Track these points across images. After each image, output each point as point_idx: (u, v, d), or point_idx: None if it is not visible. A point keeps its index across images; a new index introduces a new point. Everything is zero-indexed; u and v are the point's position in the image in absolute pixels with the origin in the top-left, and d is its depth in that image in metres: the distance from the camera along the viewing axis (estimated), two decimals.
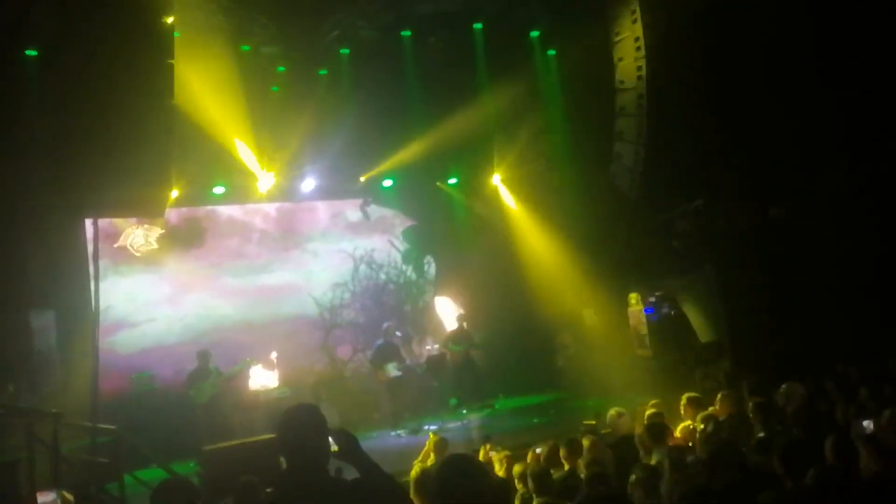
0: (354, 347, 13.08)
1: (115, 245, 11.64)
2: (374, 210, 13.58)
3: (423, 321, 13.74)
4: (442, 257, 14.06)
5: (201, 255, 12.30)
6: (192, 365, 10.39)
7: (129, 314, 11.52)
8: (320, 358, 12.79)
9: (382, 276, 13.70)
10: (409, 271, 13.98)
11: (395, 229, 13.99)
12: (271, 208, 13.04)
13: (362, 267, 13.52)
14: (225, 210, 12.69)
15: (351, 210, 13.58)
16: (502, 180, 13.64)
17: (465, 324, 12.13)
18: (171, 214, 11.86)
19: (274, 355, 11.36)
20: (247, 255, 12.67)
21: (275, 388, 11.10)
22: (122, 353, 11.22)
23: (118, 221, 11.60)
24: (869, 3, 8.93)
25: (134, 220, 11.67)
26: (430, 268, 14.19)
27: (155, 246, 11.90)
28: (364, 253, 13.54)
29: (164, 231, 11.92)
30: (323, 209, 13.55)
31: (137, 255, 11.78)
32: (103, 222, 10.72)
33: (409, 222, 14.04)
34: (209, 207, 12.46)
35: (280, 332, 12.25)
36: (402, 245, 13.96)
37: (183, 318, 11.84)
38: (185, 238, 12.21)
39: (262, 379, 11.15)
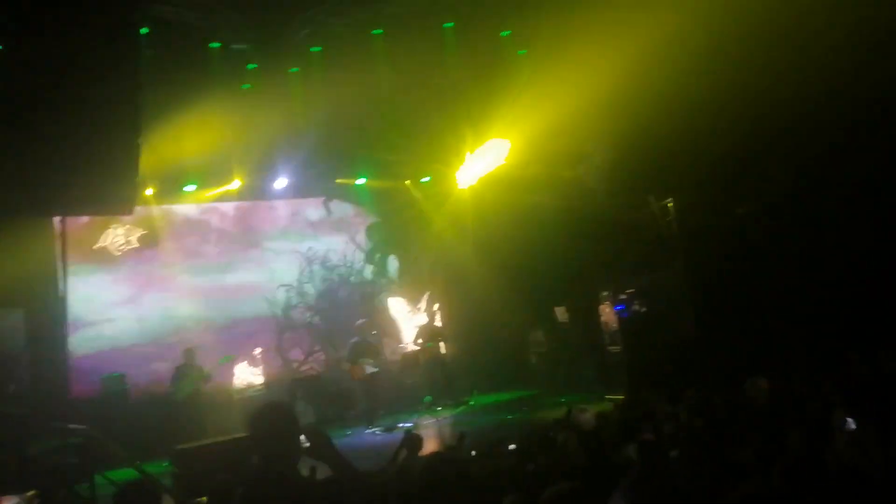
0: (309, 350, 12.91)
1: (95, 246, 11.49)
2: (336, 206, 13.42)
3: (379, 321, 13.48)
4: (408, 255, 14.01)
5: (158, 254, 12.08)
6: (159, 364, 10.32)
7: (87, 314, 11.30)
8: (274, 359, 12.52)
9: (336, 277, 13.49)
10: (367, 271, 13.81)
11: (357, 227, 13.83)
12: (229, 207, 12.83)
13: (316, 268, 13.31)
14: (181, 209, 12.49)
15: (311, 208, 13.41)
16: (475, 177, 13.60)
17: (433, 319, 12.12)
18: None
19: (258, 351, 11.31)
20: (205, 255, 12.51)
21: (253, 386, 11.07)
22: (79, 354, 10.99)
23: (85, 222, 11.41)
24: None
25: (110, 219, 11.50)
26: (392, 266, 14.04)
27: (136, 245, 11.76)
28: (315, 255, 13.29)
29: (146, 232, 11.76)
30: (282, 207, 13.34)
31: (118, 254, 11.65)
32: (72, 222, 10.59)
33: (371, 219, 13.91)
34: (165, 207, 12.23)
35: (243, 332, 12.14)
36: (365, 243, 13.83)
37: (142, 318, 11.67)
38: (142, 238, 11.99)
39: (247, 376, 11.11)
